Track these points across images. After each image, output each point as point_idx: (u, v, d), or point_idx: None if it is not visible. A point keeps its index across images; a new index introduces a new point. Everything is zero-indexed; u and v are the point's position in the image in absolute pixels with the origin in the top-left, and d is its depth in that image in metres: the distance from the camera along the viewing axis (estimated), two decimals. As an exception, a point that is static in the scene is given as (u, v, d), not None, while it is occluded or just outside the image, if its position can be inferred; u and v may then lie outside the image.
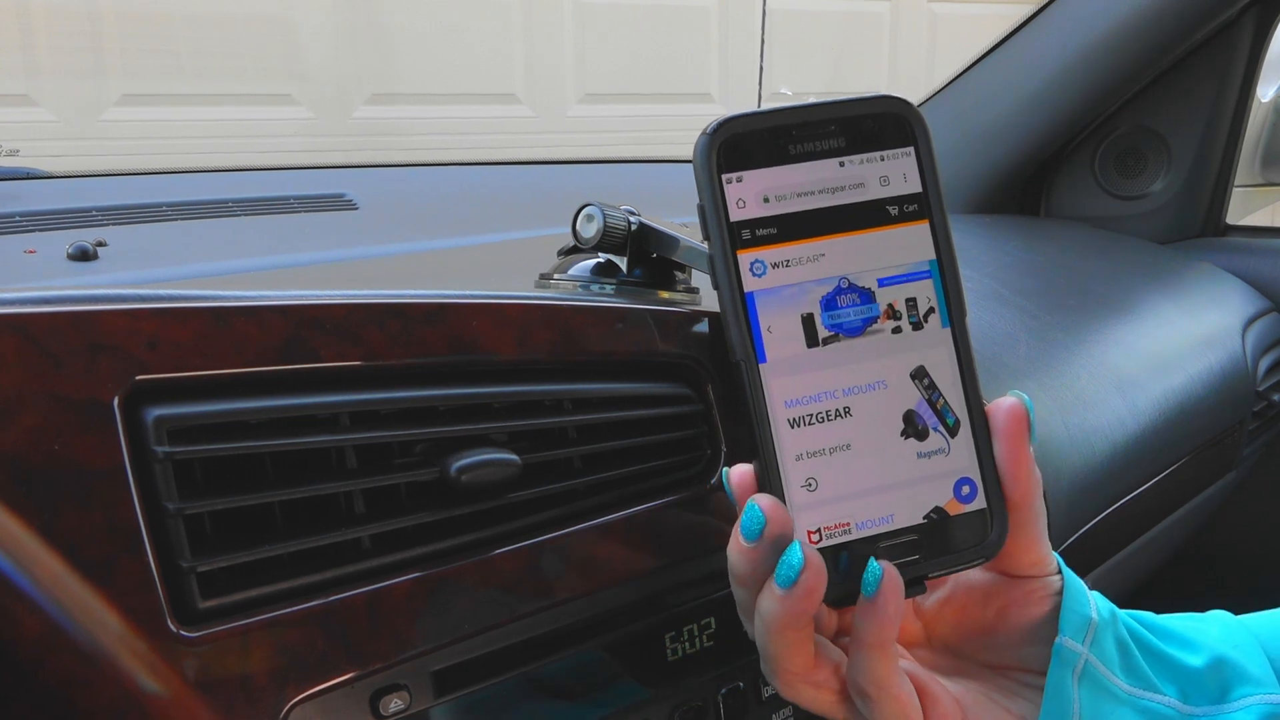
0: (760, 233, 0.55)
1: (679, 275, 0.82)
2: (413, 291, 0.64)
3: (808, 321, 0.56)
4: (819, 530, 0.55)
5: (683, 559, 0.74)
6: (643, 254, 0.80)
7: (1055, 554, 0.59)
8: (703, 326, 0.77)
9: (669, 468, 0.75)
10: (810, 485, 0.55)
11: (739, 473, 0.56)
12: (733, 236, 0.55)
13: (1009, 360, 1.13)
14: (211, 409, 0.55)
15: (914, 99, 1.67)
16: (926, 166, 0.57)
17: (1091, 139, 1.82)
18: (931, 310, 0.57)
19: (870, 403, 0.56)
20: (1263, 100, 1.88)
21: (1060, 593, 0.58)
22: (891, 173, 0.57)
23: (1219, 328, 1.53)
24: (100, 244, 1.02)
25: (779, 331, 0.55)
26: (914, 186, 0.57)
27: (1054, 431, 1.10)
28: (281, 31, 4.55)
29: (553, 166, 1.78)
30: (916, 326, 0.57)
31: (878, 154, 0.57)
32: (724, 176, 0.55)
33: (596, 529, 0.70)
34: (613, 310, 0.73)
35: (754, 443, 0.55)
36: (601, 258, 0.81)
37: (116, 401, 0.52)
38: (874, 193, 0.57)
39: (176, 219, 1.20)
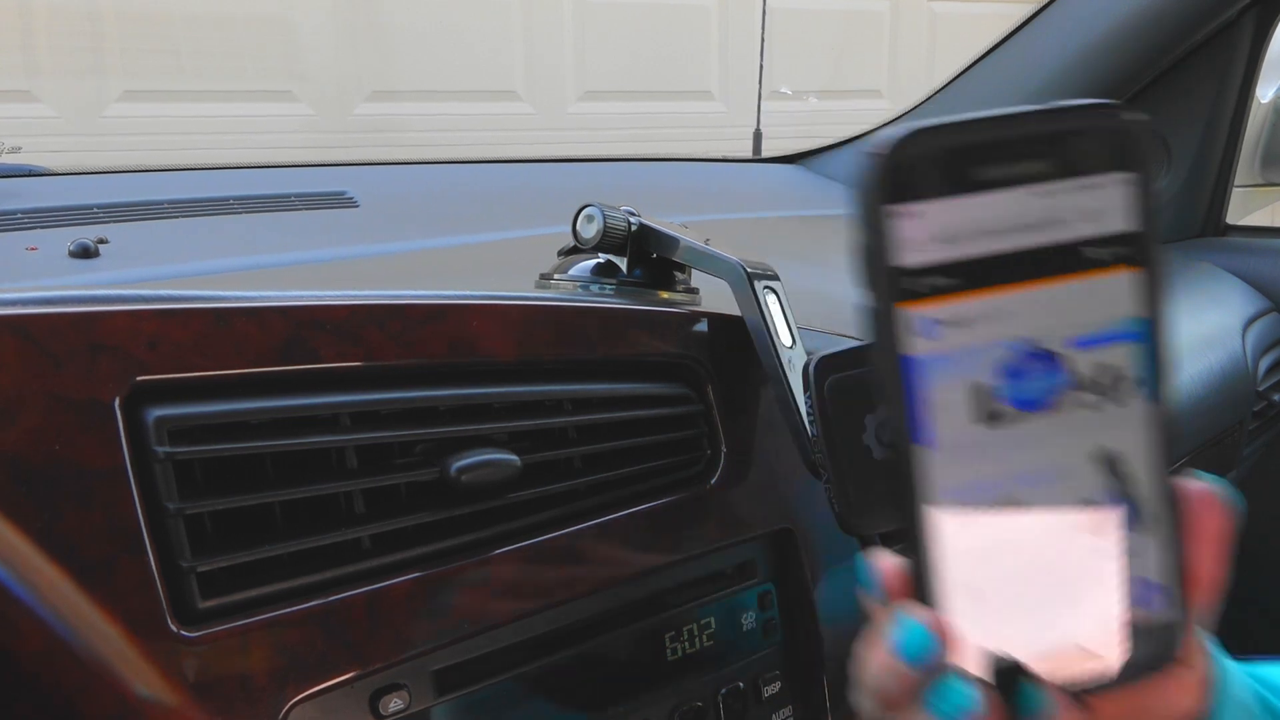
0: (929, 282, 0.44)
1: (679, 275, 0.82)
2: (413, 292, 0.64)
3: (979, 393, 0.46)
4: (980, 644, 0.46)
5: (683, 559, 0.74)
6: (643, 254, 0.80)
7: (1210, 640, 0.52)
8: (702, 326, 0.77)
9: (669, 468, 0.75)
10: (973, 590, 0.46)
11: (890, 568, 0.47)
12: (895, 286, 0.44)
13: (1009, 360, 1.13)
14: (212, 409, 0.55)
15: (914, 98, 1.66)
16: (1149, 200, 0.46)
17: (1092, 139, 1.82)
18: (1134, 381, 0.46)
19: (1049, 492, 0.46)
20: (1262, 101, 1.88)
21: (1208, 682, 0.51)
22: (1101, 206, 0.45)
23: (1219, 328, 1.53)
24: (102, 241, 1.02)
25: (944, 405, 0.45)
26: (1128, 224, 0.45)
27: (1053, 432, 1.10)
28: (282, 29, 4.55)
29: (553, 165, 1.77)
30: (1114, 401, 0.47)
31: (1086, 181, 0.45)
32: (890, 209, 0.44)
33: (596, 529, 0.70)
34: (613, 310, 0.73)
35: (908, 535, 0.46)
36: (601, 258, 0.81)
37: (117, 402, 0.52)
38: (1076, 231, 0.45)
39: (178, 216, 1.20)
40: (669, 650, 0.74)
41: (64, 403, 0.50)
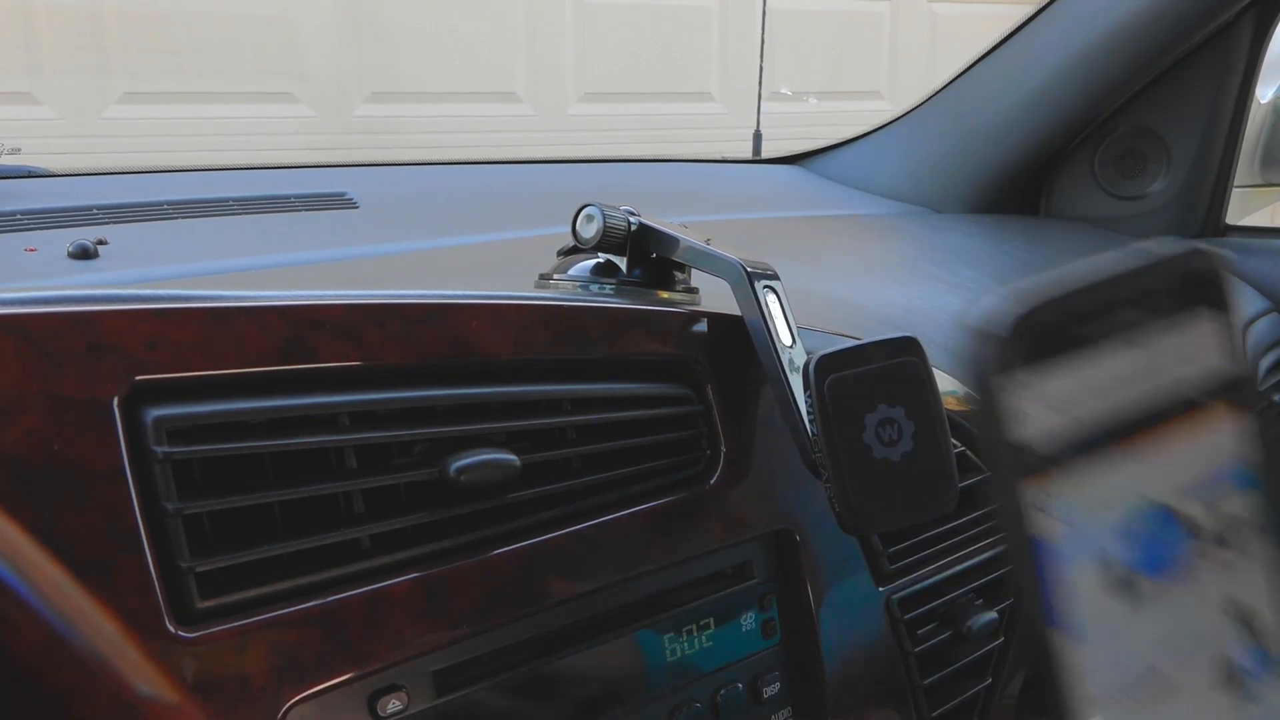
0: (1052, 453, 0.43)
1: (678, 275, 0.82)
2: (411, 292, 0.64)
3: (1108, 564, 0.44)
4: None
5: (682, 559, 0.74)
6: (642, 254, 0.80)
7: None
8: (702, 327, 0.77)
9: (668, 468, 0.75)
10: None
11: None
12: (1022, 464, 0.42)
13: (1009, 360, 1.13)
14: (211, 409, 0.55)
15: (913, 98, 1.65)
16: (1239, 339, 0.45)
17: (1091, 139, 1.82)
18: (1254, 527, 0.45)
19: (1186, 657, 0.44)
20: (1261, 101, 1.87)
21: None
22: (1195, 349, 0.44)
23: (1219, 328, 1.53)
24: (101, 242, 1.02)
25: (1077, 583, 0.43)
26: (1226, 364, 0.45)
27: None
28: (282, 30, 4.55)
29: (553, 165, 1.77)
30: (1237, 551, 0.45)
31: (1181, 324, 0.44)
32: (1008, 381, 0.42)
33: (596, 529, 0.70)
34: (612, 310, 0.73)
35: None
36: (601, 258, 0.81)
37: (116, 402, 0.52)
38: (1178, 376, 0.44)
39: (177, 217, 1.20)
40: (668, 651, 0.74)
41: (63, 403, 0.50)
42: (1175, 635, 0.45)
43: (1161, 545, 0.44)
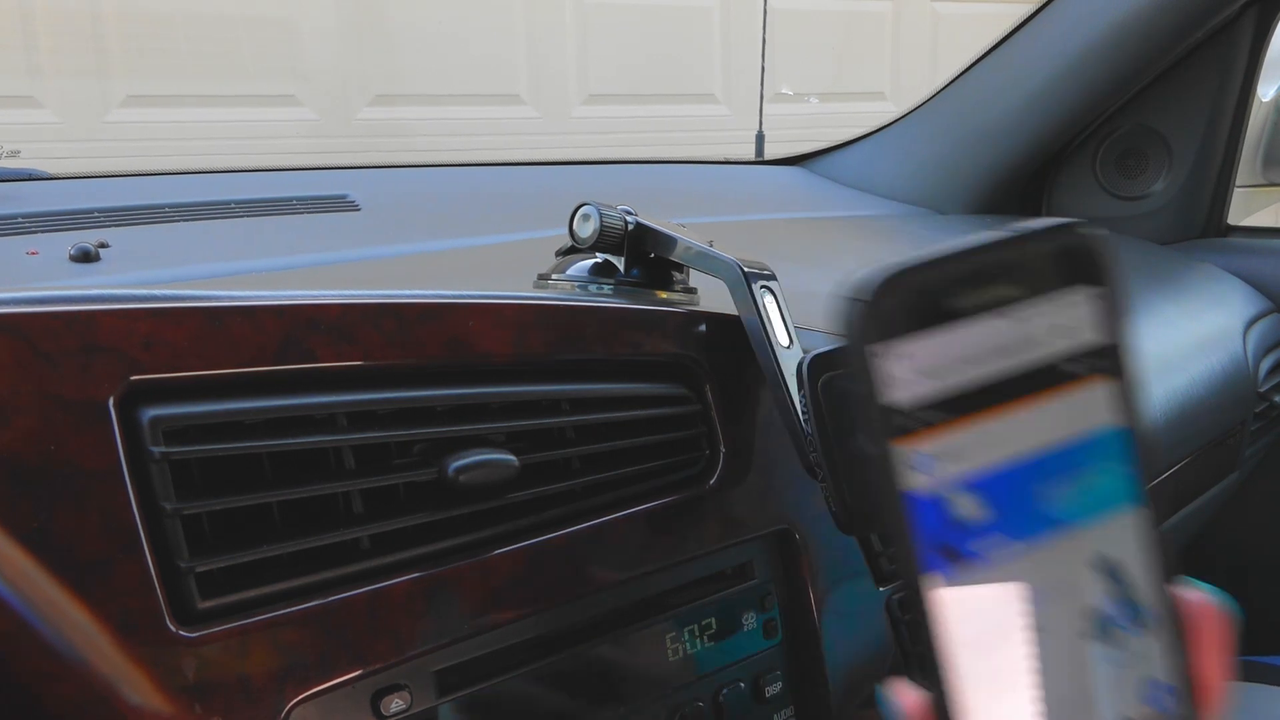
0: (922, 415, 0.46)
1: (677, 275, 0.82)
2: (408, 292, 0.64)
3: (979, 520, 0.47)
4: None
5: (683, 559, 0.74)
6: (640, 254, 0.80)
7: None
8: (701, 327, 0.77)
9: (667, 468, 0.75)
10: (994, 714, 0.47)
11: (913, 703, 0.47)
12: (891, 424, 0.45)
13: (1010, 360, 1.13)
14: (207, 409, 0.55)
15: (916, 99, 1.65)
16: (1117, 311, 0.48)
17: (1092, 139, 1.82)
18: (1120, 488, 0.49)
19: (1054, 607, 0.48)
20: (1263, 100, 1.87)
21: None
22: (1072, 322, 0.47)
23: (1220, 329, 1.53)
24: (102, 245, 1.02)
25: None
26: (1099, 337, 0.48)
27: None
28: (285, 32, 4.55)
29: (556, 167, 1.77)
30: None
31: (1057, 299, 0.47)
32: (878, 349, 0.45)
33: (596, 529, 0.70)
34: (610, 310, 0.73)
35: (928, 666, 0.47)
36: (599, 258, 0.81)
37: (112, 402, 0.52)
38: (1053, 349, 0.47)
39: (179, 220, 1.20)
40: (669, 650, 0.74)
41: (59, 403, 0.50)
42: (1044, 584, 0.47)
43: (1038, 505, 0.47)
